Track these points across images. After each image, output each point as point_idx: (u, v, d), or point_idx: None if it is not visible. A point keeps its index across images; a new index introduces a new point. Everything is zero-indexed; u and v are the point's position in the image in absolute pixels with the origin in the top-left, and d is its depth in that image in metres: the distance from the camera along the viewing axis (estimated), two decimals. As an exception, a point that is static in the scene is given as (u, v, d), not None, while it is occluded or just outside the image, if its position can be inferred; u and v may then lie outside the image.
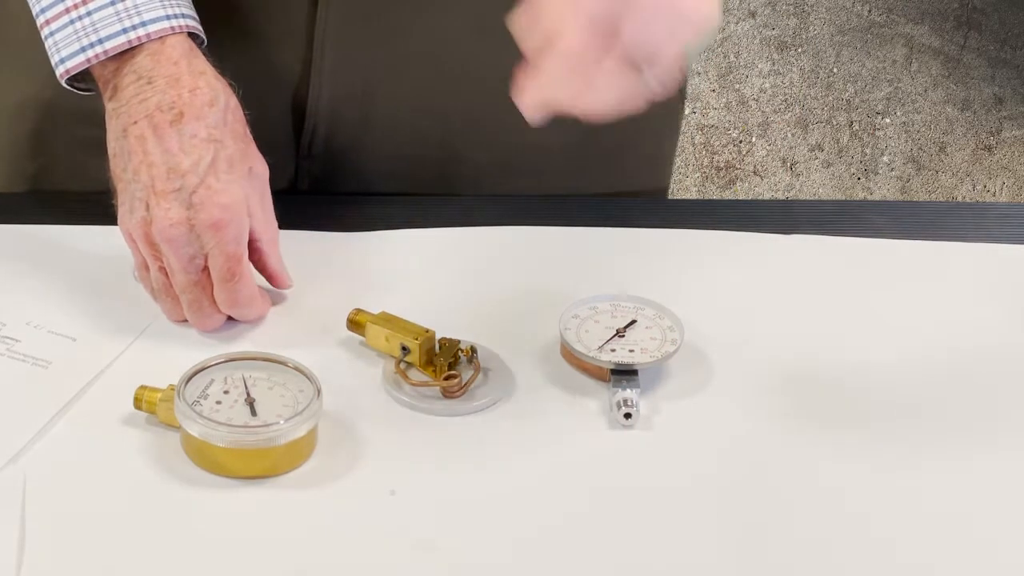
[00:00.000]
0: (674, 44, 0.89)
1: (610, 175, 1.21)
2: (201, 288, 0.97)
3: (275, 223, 1.00)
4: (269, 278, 1.01)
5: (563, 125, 1.18)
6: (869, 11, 3.24)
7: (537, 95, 0.92)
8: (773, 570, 0.85)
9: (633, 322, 1.00)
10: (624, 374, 0.96)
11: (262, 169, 0.99)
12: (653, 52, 0.89)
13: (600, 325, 0.99)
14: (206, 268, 0.97)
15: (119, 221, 0.98)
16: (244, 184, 0.97)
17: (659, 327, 1.00)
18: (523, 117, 1.15)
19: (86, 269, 1.04)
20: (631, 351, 0.97)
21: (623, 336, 0.99)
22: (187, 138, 0.96)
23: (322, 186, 1.17)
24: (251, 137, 0.99)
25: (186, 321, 0.99)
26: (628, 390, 0.94)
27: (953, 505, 0.90)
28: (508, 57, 1.14)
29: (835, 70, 3.08)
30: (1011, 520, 0.89)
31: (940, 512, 0.89)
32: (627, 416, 0.93)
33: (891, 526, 0.88)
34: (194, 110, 0.96)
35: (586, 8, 0.88)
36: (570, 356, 0.99)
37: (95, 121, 1.00)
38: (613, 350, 0.97)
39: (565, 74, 0.90)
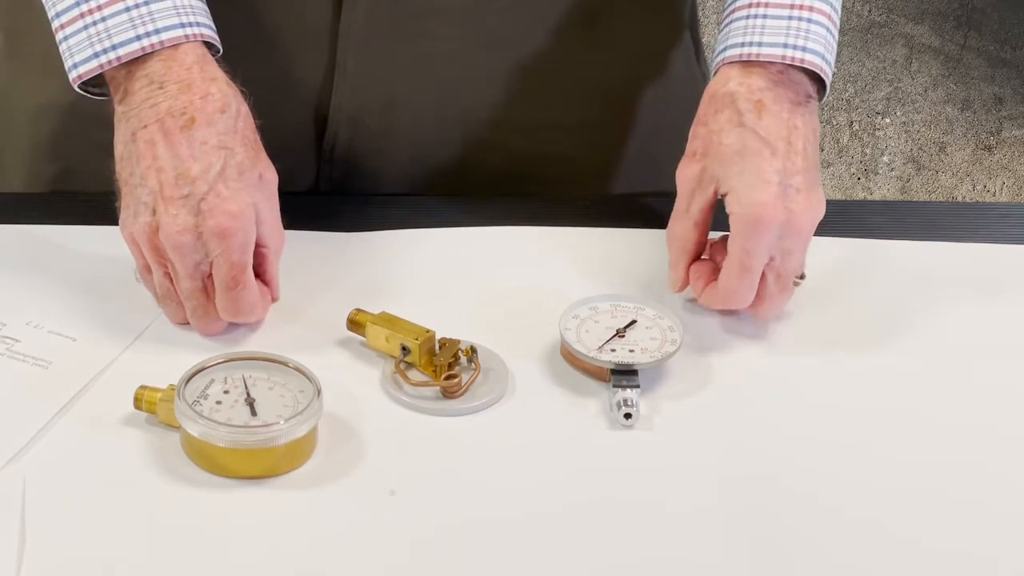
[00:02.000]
0: (804, 250, 1.02)
1: (626, 179, 1.22)
2: (205, 294, 0.97)
3: (282, 232, 1.00)
4: (264, 284, 1.01)
5: (577, 133, 1.19)
6: (869, 11, 3.25)
7: (715, 301, 1.02)
8: (774, 569, 0.85)
9: (633, 322, 1.00)
10: (624, 374, 0.96)
11: (271, 176, 0.99)
12: (797, 265, 1.02)
13: (600, 325, 0.99)
14: (210, 274, 0.97)
15: (120, 225, 0.98)
16: (253, 192, 0.96)
17: (659, 327, 1.00)
18: (539, 125, 1.16)
19: (87, 269, 1.04)
20: (631, 351, 0.97)
21: (623, 336, 0.99)
22: (197, 144, 0.95)
23: (342, 190, 1.17)
24: (261, 144, 0.99)
25: (189, 323, 0.99)
26: (628, 390, 0.94)
27: (956, 505, 0.90)
28: (528, 65, 1.15)
29: (835, 70, 3.08)
30: (1020, 522, 0.89)
31: (942, 512, 0.89)
32: (627, 416, 0.93)
33: (893, 525, 0.88)
34: (205, 116, 0.96)
35: (766, 241, 0.99)
36: (570, 356, 0.99)
37: None
38: (613, 350, 0.97)
39: (743, 290, 1.00)
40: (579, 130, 1.19)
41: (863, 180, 2.90)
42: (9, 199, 1.15)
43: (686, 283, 1.04)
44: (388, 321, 0.98)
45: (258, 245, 0.98)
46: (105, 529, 0.84)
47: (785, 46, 1.01)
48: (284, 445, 0.88)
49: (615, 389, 0.95)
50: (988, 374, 1.01)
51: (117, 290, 1.02)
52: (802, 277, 1.03)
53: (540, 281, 1.07)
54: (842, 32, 3.15)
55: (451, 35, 1.11)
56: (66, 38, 0.98)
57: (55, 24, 0.98)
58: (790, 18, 1.01)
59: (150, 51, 0.97)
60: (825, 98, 1.04)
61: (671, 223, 1.04)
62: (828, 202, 1.03)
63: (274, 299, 1.01)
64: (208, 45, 0.99)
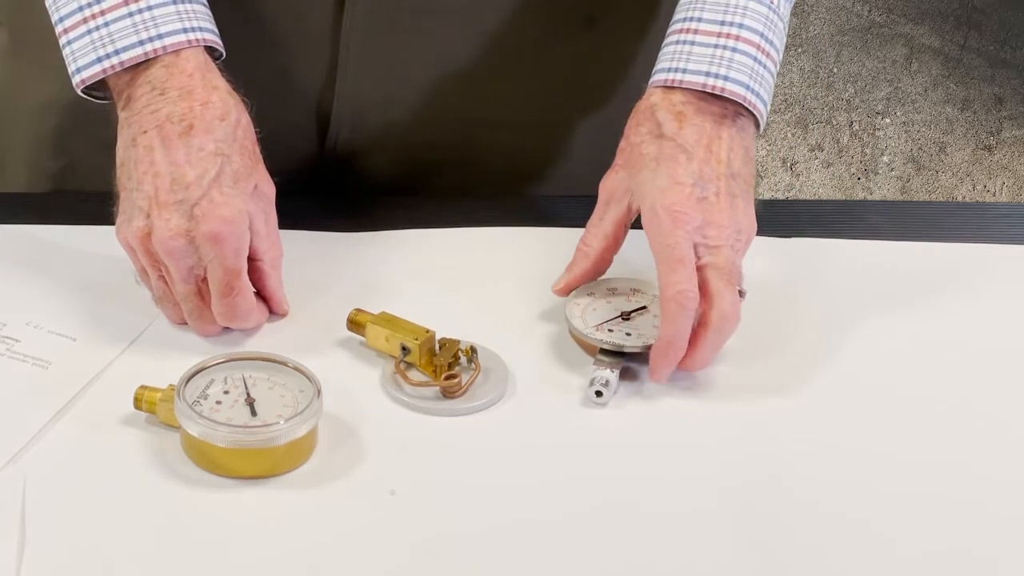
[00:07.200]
0: (733, 248, 0.98)
1: None
2: (200, 297, 0.97)
3: (279, 244, 0.99)
4: (266, 299, 1.00)
5: (577, 132, 1.19)
6: (869, 11, 3.25)
7: (673, 329, 0.95)
8: (776, 569, 0.85)
9: (643, 308, 1.00)
10: (611, 354, 0.96)
11: (268, 189, 0.99)
12: (729, 260, 0.97)
13: (611, 306, 1.00)
14: (205, 278, 0.97)
15: (116, 229, 0.98)
16: (247, 200, 0.96)
17: None
18: (539, 124, 1.16)
19: (87, 269, 1.04)
20: (628, 334, 0.97)
21: (628, 319, 0.99)
22: (194, 150, 0.96)
23: (344, 187, 1.18)
24: (260, 156, 0.99)
25: (187, 323, 0.99)
26: (607, 369, 0.95)
27: (956, 506, 0.90)
28: (528, 64, 1.15)
29: (835, 70, 3.08)
30: (1020, 520, 0.89)
31: (941, 511, 0.89)
32: (598, 394, 0.94)
33: (893, 524, 0.88)
34: (204, 123, 0.96)
35: (684, 233, 0.95)
36: (573, 334, 0.99)
37: None
38: (611, 331, 0.97)
39: (685, 284, 0.95)
40: (578, 129, 1.19)
41: (863, 180, 2.90)
42: (8, 199, 1.15)
43: (569, 290, 1.02)
44: (388, 321, 0.98)
45: (253, 258, 0.98)
46: (105, 529, 0.84)
47: (707, 74, 1.00)
48: (284, 445, 0.88)
49: (594, 367, 0.95)
50: (988, 374, 1.01)
51: (117, 290, 1.02)
52: (742, 293, 0.99)
53: (540, 281, 1.07)
54: (842, 32, 3.15)
55: (452, 33, 1.12)
56: (69, 43, 0.98)
57: (58, 29, 0.98)
58: (715, 47, 1.01)
59: (153, 56, 0.97)
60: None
61: (584, 232, 1.03)
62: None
63: (282, 313, 1.01)
64: (210, 49, 0.99)
